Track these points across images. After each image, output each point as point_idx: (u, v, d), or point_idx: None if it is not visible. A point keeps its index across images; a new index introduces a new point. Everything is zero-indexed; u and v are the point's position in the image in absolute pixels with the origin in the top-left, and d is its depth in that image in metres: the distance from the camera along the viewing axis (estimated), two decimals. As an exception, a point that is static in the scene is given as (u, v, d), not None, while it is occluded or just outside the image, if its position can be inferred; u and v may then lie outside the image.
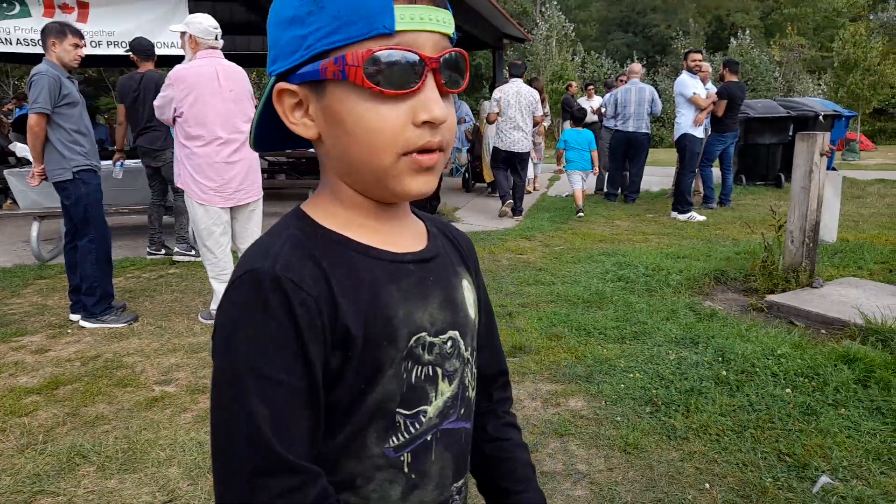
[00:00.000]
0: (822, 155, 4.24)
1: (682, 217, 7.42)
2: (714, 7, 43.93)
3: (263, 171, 10.53)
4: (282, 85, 0.64)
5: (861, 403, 2.60)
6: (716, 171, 8.27)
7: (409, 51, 0.59)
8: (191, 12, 6.55)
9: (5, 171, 6.29)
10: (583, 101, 13.42)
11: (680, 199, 7.53)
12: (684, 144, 7.52)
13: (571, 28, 33.10)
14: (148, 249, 5.73)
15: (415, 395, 0.66)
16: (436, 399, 0.68)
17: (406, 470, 0.66)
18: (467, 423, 0.74)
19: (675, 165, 7.99)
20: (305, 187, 8.35)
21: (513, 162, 7.61)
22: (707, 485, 2.15)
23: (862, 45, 22.22)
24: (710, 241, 6.08)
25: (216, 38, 3.74)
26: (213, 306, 3.95)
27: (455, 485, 0.72)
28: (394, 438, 0.65)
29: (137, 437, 2.56)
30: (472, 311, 0.75)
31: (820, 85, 29.01)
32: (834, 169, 10.80)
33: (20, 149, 6.54)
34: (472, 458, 0.80)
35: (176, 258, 5.54)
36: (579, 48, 33.02)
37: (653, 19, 43.96)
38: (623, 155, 8.68)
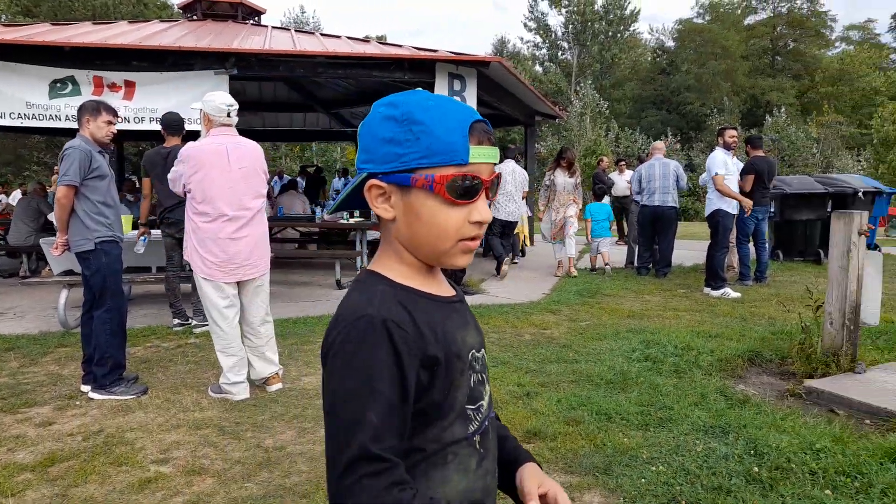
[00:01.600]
0: (860, 234, 4.04)
1: (715, 293, 7.16)
2: (749, 87, 44.34)
3: (295, 240, 10.70)
4: (375, 182, 0.89)
5: (912, 510, 2.32)
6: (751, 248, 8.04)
7: (476, 177, 0.87)
8: (233, 91, 6.88)
9: (41, 240, 6.48)
10: (614, 176, 13.44)
11: (712, 274, 7.31)
12: (717, 220, 7.37)
13: (605, 105, 33.74)
14: (177, 321, 5.74)
15: (475, 395, 0.93)
16: (485, 396, 0.96)
17: (478, 447, 0.93)
18: (493, 410, 1.01)
19: (709, 240, 7.81)
20: (333, 257, 8.39)
21: (506, 230, 8.89)
22: None
23: (901, 122, 21.95)
24: (744, 320, 5.81)
25: (228, 115, 3.83)
26: (222, 380, 3.87)
27: (495, 453, 0.99)
28: (471, 426, 0.92)
29: (123, 521, 2.44)
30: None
31: (860, 161, 28.61)
32: (876, 247, 10.41)
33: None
34: None
35: (195, 329, 5.53)
36: (613, 124, 33.50)
37: (687, 97, 44.51)
38: (651, 229, 8.62)
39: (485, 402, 0.95)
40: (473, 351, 0.94)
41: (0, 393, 3.96)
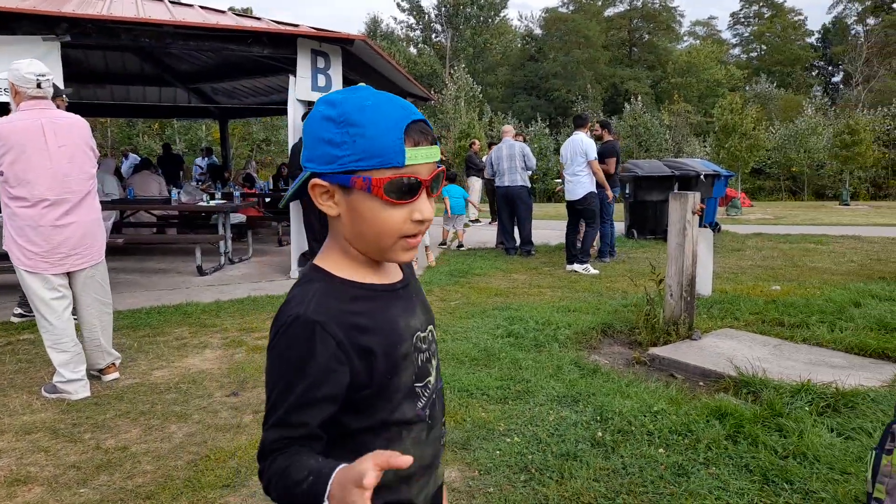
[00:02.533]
0: (693, 213, 4.41)
1: (580, 267, 7.55)
2: (610, 75, 47.13)
3: (152, 224, 9.95)
4: (317, 181, 0.92)
5: (731, 461, 2.58)
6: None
7: (413, 177, 0.89)
8: (73, 60, 6.16)
9: None
10: (487, 159, 13.77)
11: (584, 250, 7.74)
12: (592, 201, 7.72)
13: (479, 90, 34.45)
14: (19, 310, 5.18)
15: (422, 373, 0.99)
16: (432, 371, 1.02)
17: (428, 420, 1.00)
18: (441, 380, 1.08)
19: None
20: (193, 242, 7.90)
21: None
22: (575, 561, 2.01)
23: (738, 112, 24.34)
24: (600, 295, 6.19)
25: (39, 86, 3.38)
26: (57, 379, 3.51)
27: (441, 421, 1.06)
28: (419, 402, 0.98)
29: (-76, 546, 2.14)
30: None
31: (705, 147, 31.45)
32: (717, 225, 11.51)
33: None
34: None
35: (13, 319, 5.03)
36: (486, 108, 34.32)
37: (554, 84, 46.52)
38: (508, 208, 9.07)
39: (432, 378, 1.02)
40: (418, 332, 0.98)
41: None
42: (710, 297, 5.56)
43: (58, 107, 3.58)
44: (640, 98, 36.26)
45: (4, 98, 6.48)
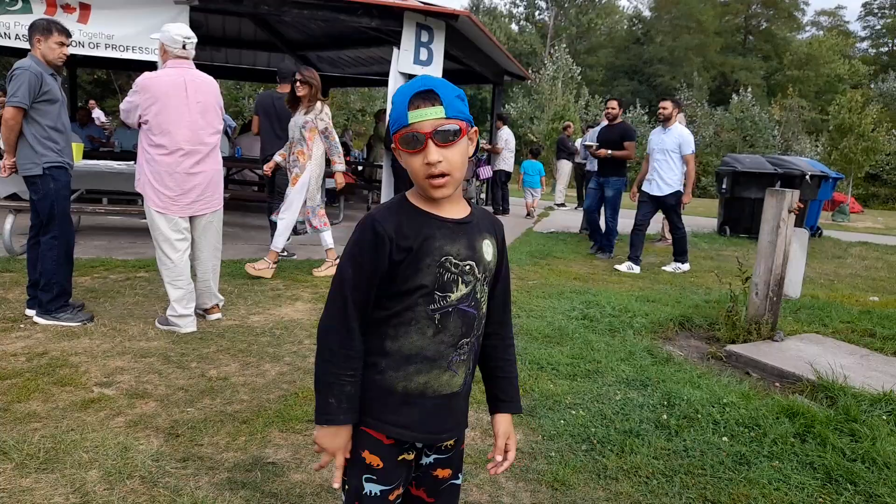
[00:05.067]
0: (790, 211, 4.28)
1: (677, 267, 7.13)
2: (719, 63, 44.79)
3: (254, 183, 10.57)
4: (395, 139, 1.28)
5: (796, 457, 2.58)
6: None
7: (416, 132, 1.22)
8: (194, 23, 6.67)
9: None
10: (580, 143, 13.59)
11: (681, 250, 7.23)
12: (675, 200, 7.03)
13: (578, 71, 33.68)
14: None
15: (445, 286, 1.26)
16: (456, 291, 1.28)
17: (437, 322, 1.27)
18: (476, 311, 1.32)
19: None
20: (262, 200, 8.36)
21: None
22: (626, 527, 2.12)
23: (857, 112, 22.60)
24: (683, 289, 6.10)
25: (184, 48, 3.78)
26: (170, 312, 3.92)
27: (463, 339, 1.30)
28: (433, 305, 1.26)
29: (64, 438, 2.52)
30: (487, 255, 1.33)
31: (816, 146, 29.45)
32: (818, 230, 10.90)
33: None
34: (482, 362, 1.44)
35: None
36: (584, 91, 33.53)
37: (658, 69, 44.74)
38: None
39: (454, 295, 1.27)
40: (450, 257, 1.26)
41: (-59, 312, 3.94)
42: (799, 300, 5.38)
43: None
44: (749, 89, 34.30)
45: (153, 57, 7.10)
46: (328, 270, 5.69)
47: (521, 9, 50.57)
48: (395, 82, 7.37)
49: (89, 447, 2.46)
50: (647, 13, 52.36)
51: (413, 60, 7.28)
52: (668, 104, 7.01)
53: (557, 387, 3.29)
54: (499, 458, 1.37)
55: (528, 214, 11.96)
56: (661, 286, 6.18)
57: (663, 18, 48.24)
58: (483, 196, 13.18)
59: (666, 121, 6.98)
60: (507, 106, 30.11)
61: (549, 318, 4.65)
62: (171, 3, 6.76)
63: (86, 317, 3.96)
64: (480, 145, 12.13)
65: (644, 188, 7.12)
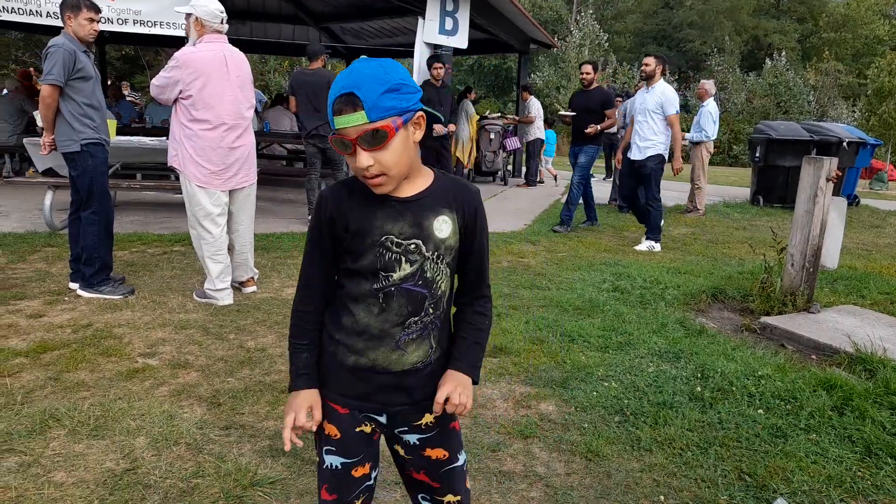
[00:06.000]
0: (828, 180, 4.18)
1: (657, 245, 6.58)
2: (752, 27, 43.35)
3: (282, 157, 10.65)
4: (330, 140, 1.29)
5: (833, 430, 2.57)
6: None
7: (343, 138, 1.19)
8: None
9: (25, 140, 6.43)
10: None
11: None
12: (655, 167, 6.49)
13: (605, 38, 32.92)
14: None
15: (388, 266, 1.26)
16: (399, 271, 1.27)
17: (380, 301, 1.28)
18: (426, 290, 1.29)
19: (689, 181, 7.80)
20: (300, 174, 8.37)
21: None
22: (662, 497, 2.14)
23: (898, 74, 21.73)
24: (715, 259, 6.03)
25: (222, 22, 3.80)
26: (208, 286, 4.01)
27: (411, 318, 1.29)
28: (376, 284, 1.27)
29: (112, 406, 2.62)
30: (441, 233, 1.29)
31: (854, 112, 28.51)
32: (856, 198, 10.62)
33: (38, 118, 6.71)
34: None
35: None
36: (612, 58, 32.81)
37: (688, 34, 43.46)
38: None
39: (396, 275, 1.26)
40: (391, 236, 1.25)
41: (-11, 286, 4.09)
42: (836, 271, 5.28)
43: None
44: (784, 53, 33.19)
45: (179, 32, 7.14)
46: None
47: (547, -26, 49.36)
48: (420, 53, 7.31)
49: (136, 415, 2.56)
50: (677, -24, 50.69)
51: (438, 30, 7.19)
52: (650, 60, 6.48)
53: (589, 359, 3.30)
54: (436, 408, 1.28)
55: (555, 179, 12.82)
56: (693, 257, 6.11)
57: (694, -19, 46.66)
58: (511, 168, 13.09)
59: (649, 78, 6.48)
60: (532, 75, 29.60)
61: (580, 289, 4.65)
62: (198, -23, 6.75)
63: (127, 290, 4.07)
64: (505, 119, 12.06)
65: (628, 155, 6.67)
